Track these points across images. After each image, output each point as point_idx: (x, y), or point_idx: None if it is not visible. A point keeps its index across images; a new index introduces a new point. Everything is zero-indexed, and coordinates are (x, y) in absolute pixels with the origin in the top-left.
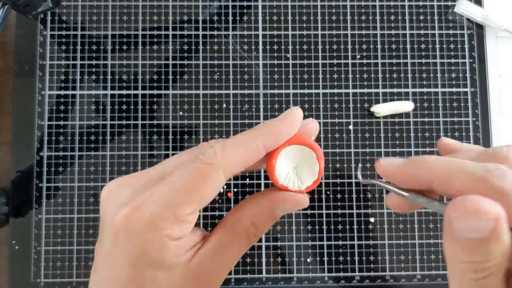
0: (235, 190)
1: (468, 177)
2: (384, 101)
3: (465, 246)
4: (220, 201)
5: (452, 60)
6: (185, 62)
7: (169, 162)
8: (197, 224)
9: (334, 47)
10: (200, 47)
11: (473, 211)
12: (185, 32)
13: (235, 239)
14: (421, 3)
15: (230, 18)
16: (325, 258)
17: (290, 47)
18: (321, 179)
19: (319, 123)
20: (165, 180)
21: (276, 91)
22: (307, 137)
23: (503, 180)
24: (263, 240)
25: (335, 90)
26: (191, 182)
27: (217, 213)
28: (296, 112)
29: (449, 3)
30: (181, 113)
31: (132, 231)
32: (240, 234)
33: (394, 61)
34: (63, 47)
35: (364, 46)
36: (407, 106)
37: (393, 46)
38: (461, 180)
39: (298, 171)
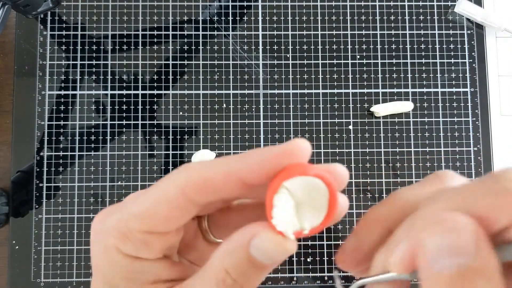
0: None
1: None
2: (384, 101)
3: (447, 284)
4: None
5: (452, 60)
6: (185, 62)
7: None
8: None
9: (334, 47)
10: (200, 47)
11: (448, 222)
12: (185, 32)
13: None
14: (421, 3)
15: (230, 18)
16: (325, 258)
17: (290, 47)
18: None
19: (319, 123)
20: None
21: (276, 91)
22: (321, 169)
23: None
24: None
25: (335, 90)
26: (146, 197)
27: None
28: (294, 141)
29: (449, 3)
30: (181, 113)
31: (95, 235)
32: (209, 282)
33: (394, 61)
34: (63, 47)
35: (364, 46)
36: (407, 106)
37: (393, 46)
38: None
39: (302, 209)
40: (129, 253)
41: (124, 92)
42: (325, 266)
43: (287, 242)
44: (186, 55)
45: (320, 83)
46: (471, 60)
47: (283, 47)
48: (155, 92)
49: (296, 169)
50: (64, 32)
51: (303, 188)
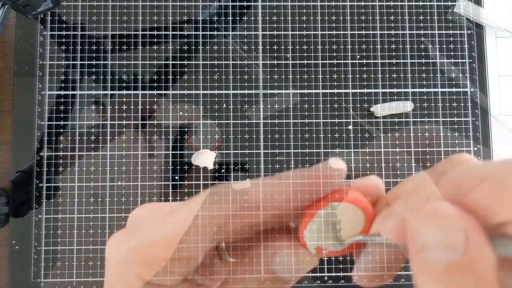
0: None
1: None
2: (384, 101)
3: (433, 274)
4: None
5: (452, 60)
6: (185, 62)
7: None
8: None
9: (334, 47)
10: (200, 47)
11: (440, 216)
12: (185, 32)
13: None
14: (421, 3)
15: (230, 18)
16: (325, 258)
17: (290, 47)
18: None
19: (319, 123)
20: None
21: (276, 91)
22: (359, 194)
23: None
24: None
25: (335, 90)
26: (174, 222)
27: None
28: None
29: (449, 3)
30: (181, 113)
31: (111, 256)
32: None
33: (394, 61)
34: (63, 47)
35: (364, 46)
36: (407, 106)
37: (393, 46)
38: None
39: (333, 229)
40: (151, 281)
41: (124, 92)
42: (325, 266)
43: (307, 254)
44: (186, 55)
45: (320, 83)
46: (471, 60)
47: (283, 47)
48: (155, 92)
49: (349, 195)
50: (64, 32)
51: (345, 210)
